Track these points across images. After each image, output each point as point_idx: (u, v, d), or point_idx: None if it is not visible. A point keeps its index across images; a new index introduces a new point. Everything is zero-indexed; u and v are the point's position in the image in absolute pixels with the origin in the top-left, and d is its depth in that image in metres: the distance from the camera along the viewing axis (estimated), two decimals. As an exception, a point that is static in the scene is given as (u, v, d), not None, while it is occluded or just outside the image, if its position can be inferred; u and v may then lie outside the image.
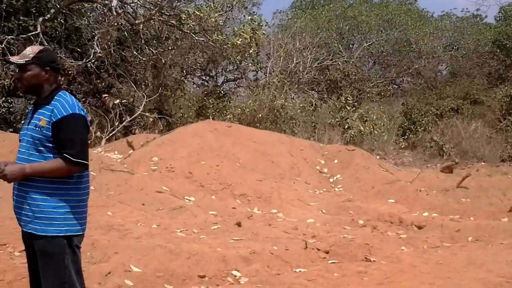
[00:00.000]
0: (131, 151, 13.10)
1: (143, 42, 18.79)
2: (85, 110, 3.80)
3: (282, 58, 24.87)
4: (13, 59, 3.77)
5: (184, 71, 26.86)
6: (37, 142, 3.66)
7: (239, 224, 8.42)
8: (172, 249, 6.62)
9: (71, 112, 3.65)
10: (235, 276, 6.35)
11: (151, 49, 19.47)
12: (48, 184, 3.64)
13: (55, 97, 3.72)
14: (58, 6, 16.91)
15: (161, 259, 6.38)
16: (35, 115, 3.74)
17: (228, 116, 20.41)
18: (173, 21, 18.25)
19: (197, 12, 16.50)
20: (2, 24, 16.45)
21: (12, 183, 3.75)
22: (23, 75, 3.73)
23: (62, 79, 16.00)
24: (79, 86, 18.54)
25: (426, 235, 8.66)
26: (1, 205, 8.32)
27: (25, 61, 3.70)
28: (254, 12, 20.78)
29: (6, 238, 7.10)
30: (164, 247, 6.68)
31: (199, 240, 7.61)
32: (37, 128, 3.66)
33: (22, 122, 15.45)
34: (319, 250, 7.35)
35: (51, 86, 3.77)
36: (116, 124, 15.97)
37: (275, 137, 14.01)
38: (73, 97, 3.80)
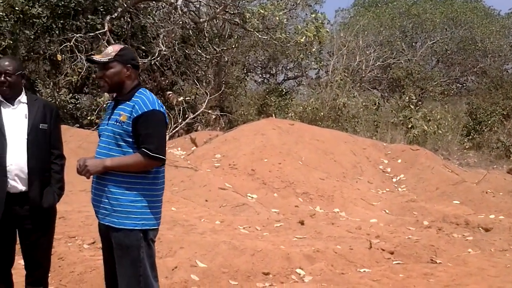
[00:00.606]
0: (194, 147, 13.27)
1: (206, 40, 18.96)
2: (164, 107, 3.88)
3: (344, 56, 24.66)
4: (96, 58, 3.88)
5: (245, 69, 26.99)
6: (118, 137, 3.76)
7: (302, 223, 8.41)
8: (236, 246, 6.67)
9: (151, 108, 3.74)
10: (299, 274, 6.35)
11: (214, 47, 19.65)
12: (127, 178, 3.73)
13: (136, 94, 3.81)
14: (125, 5, 17.24)
15: (226, 255, 6.44)
16: (115, 111, 3.84)
17: (289, 114, 20.39)
18: (237, 20, 18.35)
19: (261, 11, 16.52)
20: (71, 23, 16.88)
21: (91, 177, 3.86)
22: (106, 73, 3.83)
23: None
24: (143, 84, 18.83)
25: (493, 238, 8.45)
26: (69, 198, 8.54)
27: (108, 59, 3.81)
28: (316, 10, 20.62)
29: (75, 231, 7.29)
30: (229, 243, 6.74)
31: (262, 237, 7.64)
32: (117, 123, 3.76)
33: (89, 118, 15.84)
34: (383, 250, 7.26)
35: (132, 82, 3.88)
36: (179, 121, 16.15)
37: (337, 136, 13.93)
38: (153, 94, 3.88)
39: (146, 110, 3.73)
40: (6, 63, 4.24)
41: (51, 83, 17.01)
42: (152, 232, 3.84)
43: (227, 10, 18.14)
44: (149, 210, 3.79)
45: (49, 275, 4.68)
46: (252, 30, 18.26)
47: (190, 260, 6.25)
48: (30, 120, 4.26)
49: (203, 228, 7.72)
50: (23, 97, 4.33)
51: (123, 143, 3.75)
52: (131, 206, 3.74)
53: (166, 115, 3.91)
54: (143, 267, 3.76)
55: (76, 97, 17.86)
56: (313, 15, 17.20)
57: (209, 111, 18.99)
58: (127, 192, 3.74)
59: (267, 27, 18.37)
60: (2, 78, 4.19)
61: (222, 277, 6.01)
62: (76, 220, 7.62)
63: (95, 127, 15.47)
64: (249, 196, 10.07)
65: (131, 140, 3.75)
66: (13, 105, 4.27)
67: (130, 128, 3.73)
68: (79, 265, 6.07)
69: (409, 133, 18.80)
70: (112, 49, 3.86)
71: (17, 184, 4.18)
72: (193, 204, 9.19)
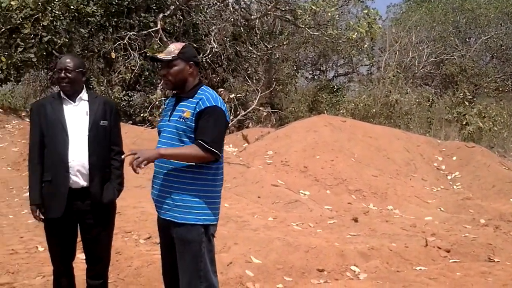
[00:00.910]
0: (246, 144, 13.30)
1: (257, 37, 19.00)
2: (225, 106, 3.90)
3: (397, 52, 24.36)
4: (160, 56, 3.92)
5: (295, 66, 26.94)
6: (181, 133, 3.79)
7: (355, 220, 8.34)
8: (290, 242, 6.66)
9: (214, 104, 3.77)
10: (354, 271, 6.30)
11: (264, 43, 19.68)
12: (189, 174, 3.77)
13: (199, 91, 3.85)
14: (177, 3, 17.43)
15: (280, 251, 6.43)
16: (177, 107, 3.88)
17: (341, 111, 20.27)
18: (288, 16, 18.33)
19: (313, 7, 16.46)
20: (124, 21, 17.15)
21: (154, 173, 3.92)
22: (170, 71, 3.86)
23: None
24: (194, 81, 18.97)
25: (553, 237, 8.22)
26: (124, 194, 8.67)
27: (172, 57, 3.84)
28: (368, 6, 20.41)
29: (130, 226, 7.39)
30: (283, 239, 6.73)
31: (315, 234, 7.61)
32: (181, 119, 3.79)
33: (142, 115, 16.06)
34: (439, 248, 7.14)
35: (194, 80, 3.91)
36: (231, 118, 16.23)
37: (390, 133, 13.77)
38: (214, 92, 3.91)
39: (209, 105, 3.76)
40: (67, 60, 4.33)
41: (105, 80, 17.31)
42: (213, 227, 3.88)
43: (278, 6, 18.14)
44: (210, 206, 3.82)
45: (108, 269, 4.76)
46: (303, 26, 18.22)
47: (244, 256, 6.26)
48: (91, 117, 4.33)
49: (256, 224, 7.73)
50: (84, 95, 4.40)
51: (186, 139, 3.79)
52: (193, 202, 3.77)
53: (228, 113, 3.92)
54: (204, 262, 3.79)
55: (129, 94, 18.13)
56: (365, 11, 17.04)
57: (260, 108, 19.02)
58: (189, 187, 3.77)
59: (319, 24, 18.30)
60: (62, 74, 4.28)
61: (277, 273, 6.01)
62: (132, 215, 7.72)
63: (147, 124, 15.68)
64: (302, 193, 10.04)
65: (193, 136, 3.78)
66: (74, 102, 4.35)
67: (194, 124, 3.77)
68: (136, 259, 6.16)
69: (464, 130, 18.44)
70: (175, 47, 3.90)
71: (78, 179, 4.26)
72: (246, 201, 9.21)
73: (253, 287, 5.73)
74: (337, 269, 6.30)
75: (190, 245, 3.78)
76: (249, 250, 6.42)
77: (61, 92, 4.36)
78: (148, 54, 15.39)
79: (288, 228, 7.81)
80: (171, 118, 3.89)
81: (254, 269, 6.00)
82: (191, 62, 3.88)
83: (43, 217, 4.34)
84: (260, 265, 6.09)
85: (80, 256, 4.85)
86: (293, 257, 6.35)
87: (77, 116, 4.32)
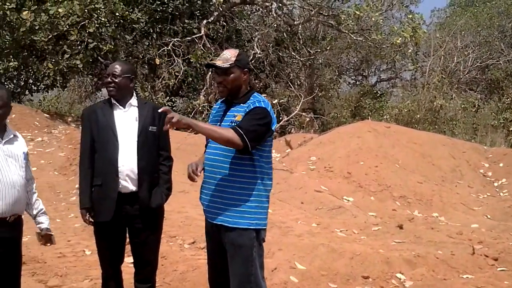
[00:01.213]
0: (289, 150, 13.29)
1: (300, 42, 19.01)
2: (275, 116, 3.91)
3: (442, 57, 24.06)
4: (218, 64, 3.93)
5: (337, 71, 26.84)
6: None
7: (400, 227, 8.25)
8: (335, 249, 6.62)
9: (263, 106, 3.80)
10: (400, 279, 6.22)
11: (307, 49, 19.67)
12: (239, 178, 3.79)
13: (251, 97, 3.88)
14: (221, 9, 17.55)
15: (324, 258, 6.41)
16: (228, 113, 3.91)
17: (384, 117, 20.10)
18: (331, 21, 18.28)
19: (356, 12, 16.38)
20: (168, 27, 17.35)
21: (204, 178, 3.96)
22: (226, 78, 3.88)
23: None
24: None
25: None
26: (169, 199, 8.74)
27: (230, 64, 3.87)
28: (411, 10, 20.24)
29: (175, 231, 7.46)
30: (327, 246, 6.70)
31: (360, 240, 7.55)
32: (233, 124, 3.82)
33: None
34: (487, 256, 7.01)
35: (247, 87, 3.95)
36: (273, 123, 16.22)
37: (435, 139, 13.58)
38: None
39: (258, 105, 3.80)
40: (116, 65, 4.41)
41: (149, 86, 17.53)
42: (263, 232, 3.89)
43: (321, 12, 18.11)
44: (261, 210, 3.84)
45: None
46: (346, 32, 18.16)
47: (289, 262, 6.26)
48: (140, 122, 4.40)
49: (300, 230, 7.71)
50: (133, 100, 4.47)
51: None
52: (245, 206, 3.79)
53: (274, 120, 3.93)
54: (255, 266, 3.80)
55: (173, 100, 18.31)
56: (410, 16, 16.89)
57: (303, 114, 19.00)
58: (241, 192, 3.79)
59: (362, 29, 18.21)
60: (109, 79, 4.36)
61: (322, 280, 5.98)
62: (176, 220, 7.78)
63: (191, 130, 15.79)
64: (345, 199, 9.99)
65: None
66: (124, 107, 4.43)
67: None
68: (181, 264, 6.22)
69: (510, 136, 18.10)
70: (231, 54, 3.91)
71: (127, 184, 4.33)
72: (289, 206, 9.21)
73: (298, 293, 5.73)
74: (382, 277, 6.24)
75: (242, 249, 3.79)
76: (293, 256, 6.41)
77: (111, 98, 4.44)
78: (201, 62, 15.55)
79: (332, 234, 7.77)
80: (222, 123, 3.91)
81: (299, 275, 5.99)
82: (246, 69, 3.91)
83: (92, 221, 4.42)
84: (304, 271, 6.07)
85: (127, 260, 4.93)
86: (337, 264, 6.31)
87: (126, 122, 4.39)
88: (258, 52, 17.50)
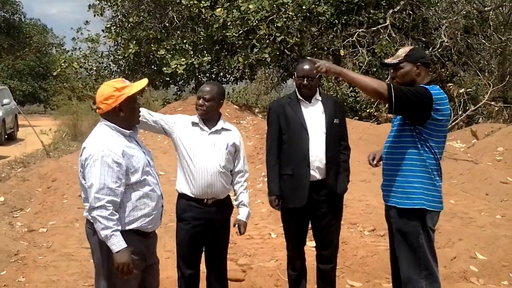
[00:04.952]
0: (475, 140, 12.97)
1: (491, 29, 18.27)
2: (446, 106, 4.00)
3: None
4: (387, 60, 4.23)
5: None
6: (406, 127, 4.01)
7: None
8: (519, 240, 6.52)
9: (431, 91, 3.94)
10: None
11: (498, 35, 18.84)
12: (408, 161, 4.00)
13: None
14: (408, -2, 17.40)
15: (507, 248, 6.33)
16: None
17: None
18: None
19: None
20: (353, 18, 17.53)
21: (383, 165, 4.22)
22: (397, 73, 4.13)
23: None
24: (422, 75, 18.77)
25: None
26: (350, 188, 9.04)
27: (399, 60, 4.10)
28: None
29: (355, 218, 7.75)
30: (510, 237, 6.61)
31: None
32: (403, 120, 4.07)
33: (368, 110, 16.32)
34: None
35: (423, 80, 4.10)
36: (459, 113, 15.82)
37: None
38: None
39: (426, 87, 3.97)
40: (308, 67, 4.72)
41: (333, 77, 17.82)
42: (430, 219, 4.00)
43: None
44: (426, 192, 3.97)
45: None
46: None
47: (469, 252, 6.28)
48: (326, 115, 4.77)
49: (482, 221, 7.62)
50: (318, 95, 4.86)
51: (412, 133, 3.98)
52: (410, 187, 3.98)
53: (447, 113, 4.01)
54: (423, 252, 3.98)
55: (356, 90, 18.46)
56: None
57: (492, 103, 18.24)
58: (409, 173, 3.99)
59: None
60: (305, 82, 4.72)
61: (503, 270, 5.95)
62: (357, 208, 8.05)
63: (373, 119, 15.92)
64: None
65: (420, 128, 3.95)
66: (310, 102, 4.81)
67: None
68: (361, 249, 6.49)
69: None
70: (403, 51, 4.14)
71: (315, 174, 4.74)
72: (472, 198, 9.07)
73: (477, 282, 5.76)
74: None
75: (407, 236, 4.00)
76: (474, 246, 6.42)
77: (297, 93, 4.83)
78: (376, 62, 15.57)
79: (517, 226, 7.59)
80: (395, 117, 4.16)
81: (479, 265, 6.01)
82: (418, 63, 4.07)
83: (281, 207, 4.86)
84: (485, 262, 6.08)
85: (309, 244, 5.32)
86: (521, 255, 6.22)
87: (314, 116, 4.77)
88: (446, 41, 17.11)
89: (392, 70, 4.23)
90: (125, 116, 3.71)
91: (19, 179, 11.08)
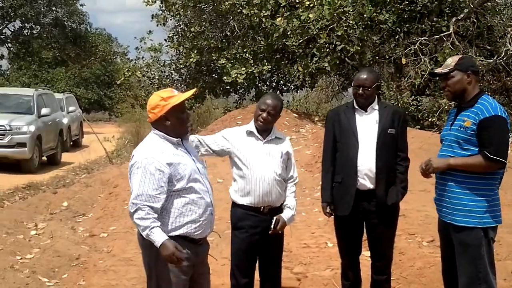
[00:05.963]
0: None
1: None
2: (506, 113, 3.99)
3: None
4: (437, 70, 4.20)
5: None
6: (461, 141, 4.00)
7: None
8: None
9: (493, 114, 3.90)
10: None
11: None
12: (467, 179, 3.95)
13: (479, 100, 4.00)
14: (472, 6, 17.03)
15: None
16: (458, 117, 4.09)
17: None
18: None
19: None
20: (416, 26, 17.27)
21: (436, 178, 4.17)
22: (448, 82, 4.08)
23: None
24: (487, 84, 18.37)
25: None
26: (409, 198, 8.87)
27: (448, 69, 4.06)
28: None
29: (414, 228, 7.62)
30: None
31: None
32: (461, 129, 4.01)
33: (430, 119, 16.05)
34: None
35: (473, 89, 4.05)
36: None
37: None
38: (495, 100, 4.03)
39: (488, 115, 3.89)
40: (364, 76, 4.73)
41: (394, 85, 17.64)
42: (492, 231, 3.97)
43: None
44: (489, 209, 3.94)
45: (391, 266, 5.08)
46: None
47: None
48: (380, 125, 4.72)
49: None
50: (375, 104, 4.81)
51: (468, 147, 3.97)
52: (472, 205, 3.94)
53: (509, 121, 3.99)
54: (483, 264, 3.92)
55: (418, 99, 18.19)
56: None
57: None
58: (468, 192, 3.95)
59: None
60: (360, 91, 4.71)
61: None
62: (416, 218, 7.92)
63: (435, 129, 15.63)
64: None
65: (475, 144, 3.94)
66: (366, 111, 4.78)
67: (474, 133, 3.92)
68: (419, 260, 6.39)
69: None
70: (452, 60, 4.09)
71: (365, 182, 4.70)
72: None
73: (538, 297, 5.59)
74: None
75: (470, 248, 3.94)
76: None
77: (354, 101, 4.81)
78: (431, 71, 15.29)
79: None
80: (452, 127, 4.09)
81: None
82: (469, 72, 4.02)
83: (332, 214, 4.86)
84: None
85: (366, 254, 5.27)
86: None
87: (367, 124, 4.73)
88: (511, 49, 16.67)
89: (442, 80, 4.16)
90: (171, 125, 3.78)
91: (82, 185, 11.37)
